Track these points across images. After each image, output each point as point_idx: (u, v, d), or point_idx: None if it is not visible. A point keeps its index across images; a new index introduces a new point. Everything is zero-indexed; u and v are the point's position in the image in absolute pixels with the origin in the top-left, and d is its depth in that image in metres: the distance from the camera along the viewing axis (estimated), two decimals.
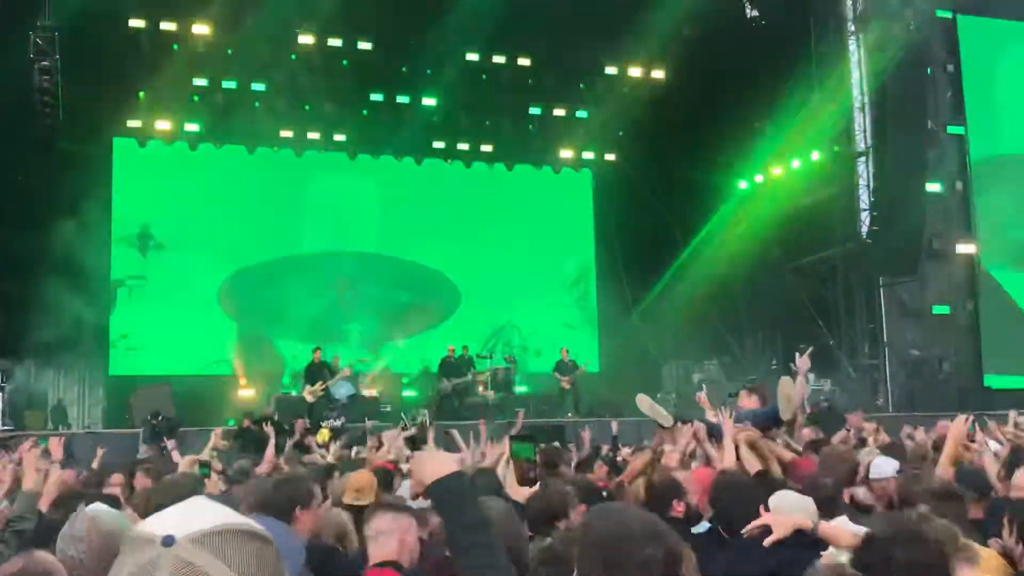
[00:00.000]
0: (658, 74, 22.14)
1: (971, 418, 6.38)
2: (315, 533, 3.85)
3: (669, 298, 22.37)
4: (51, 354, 18.61)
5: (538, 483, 5.17)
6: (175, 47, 19.73)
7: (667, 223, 22.48)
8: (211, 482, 6.55)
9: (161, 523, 1.28)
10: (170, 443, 9.44)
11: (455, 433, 9.45)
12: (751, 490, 4.50)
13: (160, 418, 14.79)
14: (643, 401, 7.91)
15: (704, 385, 19.98)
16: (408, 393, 20.91)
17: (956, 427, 6.05)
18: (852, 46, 20.87)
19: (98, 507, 3.25)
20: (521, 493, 4.87)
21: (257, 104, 20.88)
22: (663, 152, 22.30)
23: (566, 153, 23.52)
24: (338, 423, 15.00)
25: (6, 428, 14.96)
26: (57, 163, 18.85)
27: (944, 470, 5.65)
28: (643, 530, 2.08)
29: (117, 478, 7.13)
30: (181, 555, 1.24)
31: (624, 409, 17.66)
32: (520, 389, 20.31)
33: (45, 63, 16.25)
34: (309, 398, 17.39)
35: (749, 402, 7.97)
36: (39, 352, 18.13)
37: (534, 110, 22.52)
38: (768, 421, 7.52)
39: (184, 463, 6.74)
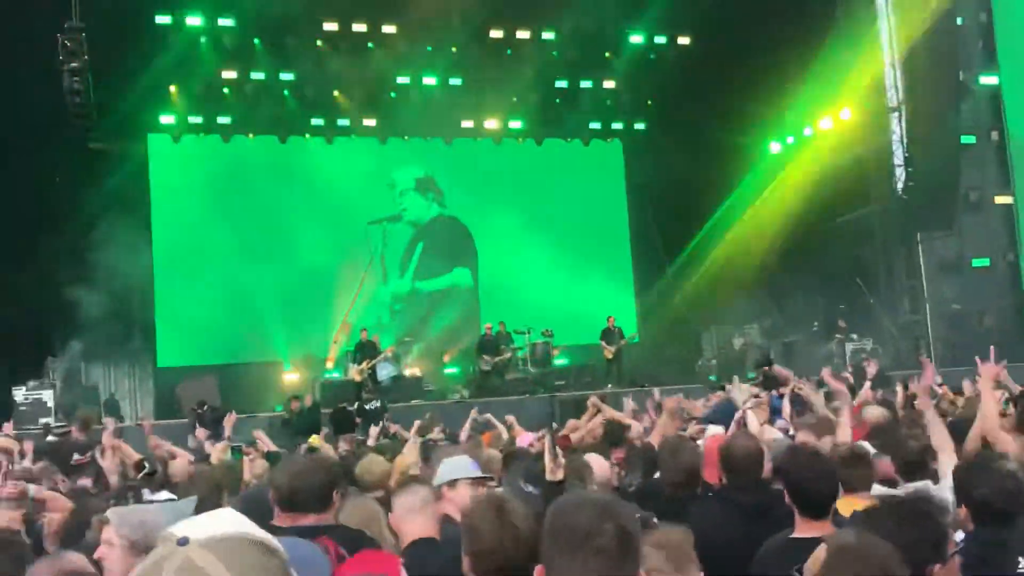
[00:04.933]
0: (684, 40, 21.98)
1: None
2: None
3: (706, 263, 22.34)
4: (100, 350, 19.01)
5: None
6: (203, 41, 19.96)
7: (700, 189, 22.36)
8: (252, 464, 6.67)
9: (184, 526, 1.43)
10: (201, 432, 9.62)
11: (491, 416, 9.65)
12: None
13: (205, 407, 15.08)
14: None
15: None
16: (450, 371, 21.15)
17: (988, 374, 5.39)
18: (880, 0, 20.58)
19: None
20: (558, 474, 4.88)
21: (287, 93, 21.10)
22: (693, 118, 22.11)
23: (595, 124, 23.49)
24: (376, 405, 15.22)
25: (59, 425, 15.30)
26: (93, 163, 19.17)
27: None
28: (595, 510, 2.09)
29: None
30: (189, 554, 1.36)
31: (664, 377, 17.77)
32: (560, 362, 20.42)
33: (75, 65, 16.42)
34: (357, 377, 17.73)
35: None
36: (88, 349, 18.51)
37: (560, 83, 22.47)
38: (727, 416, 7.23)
39: (215, 452, 6.89)
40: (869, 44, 20.49)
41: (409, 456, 5.96)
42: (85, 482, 6.90)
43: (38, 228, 18.30)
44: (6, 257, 17.18)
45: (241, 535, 1.42)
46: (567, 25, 21.15)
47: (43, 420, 15.40)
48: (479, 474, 4.64)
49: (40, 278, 17.90)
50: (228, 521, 1.46)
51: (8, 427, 11.20)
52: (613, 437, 7.26)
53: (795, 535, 3.75)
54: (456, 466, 4.64)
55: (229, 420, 8.17)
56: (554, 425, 6.89)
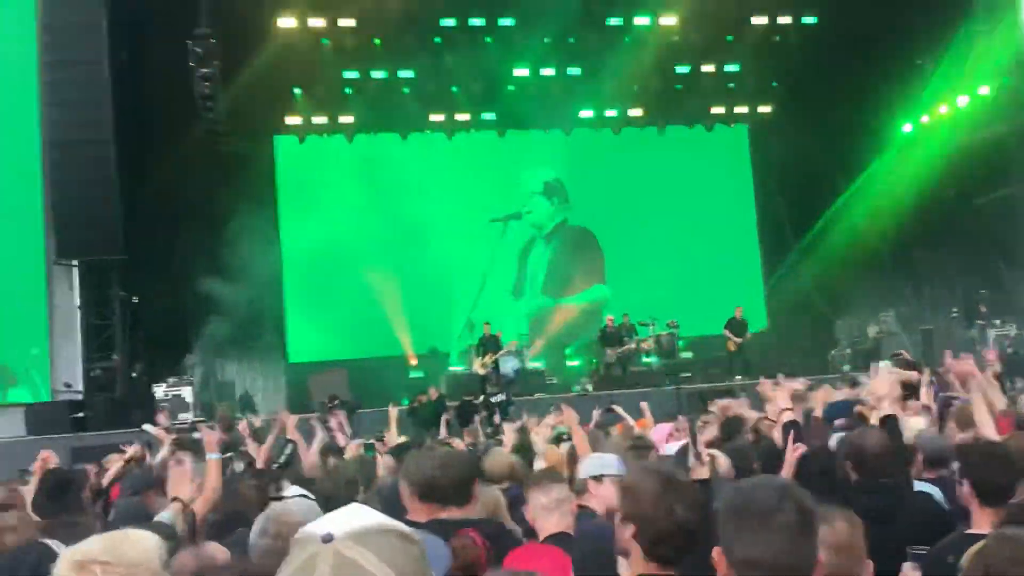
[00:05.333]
0: (809, 19, 21.28)
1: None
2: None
3: (837, 249, 21.65)
4: (233, 347, 19.64)
5: None
6: (324, 42, 20.33)
7: (830, 173, 21.74)
8: (384, 459, 6.73)
9: (323, 523, 1.46)
10: (334, 421, 9.74)
11: (619, 408, 9.50)
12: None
13: (336, 401, 15.35)
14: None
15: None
16: (572, 363, 21.07)
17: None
18: None
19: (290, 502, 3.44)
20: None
21: (406, 90, 21.31)
22: (821, 99, 21.52)
23: (718, 109, 23.02)
24: (501, 398, 15.25)
25: (198, 420, 15.84)
26: (224, 165, 19.80)
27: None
28: (776, 493, 2.13)
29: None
30: (338, 549, 1.40)
31: (795, 368, 17.26)
32: (686, 354, 20.10)
33: (205, 70, 17.00)
34: (480, 371, 17.83)
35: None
36: (222, 346, 19.15)
37: (681, 69, 22.07)
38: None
39: (351, 448, 6.97)
40: (1009, 16, 19.43)
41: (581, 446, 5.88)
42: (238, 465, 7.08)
43: (174, 230, 19.05)
44: (146, 259, 17.90)
45: (381, 526, 1.46)
46: (687, 9, 20.73)
47: (183, 415, 15.98)
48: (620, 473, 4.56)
49: (177, 278, 18.64)
50: (364, 514, 1.49)
51: (162, 418, 11.65)
52: (729, 433, 7.03)
53: (972, 531, 3.57)
54: (603, 462, 4.58)
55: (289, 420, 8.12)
56: (698, 422, 6.69)
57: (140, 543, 2.04)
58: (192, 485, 4.56)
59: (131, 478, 6.43)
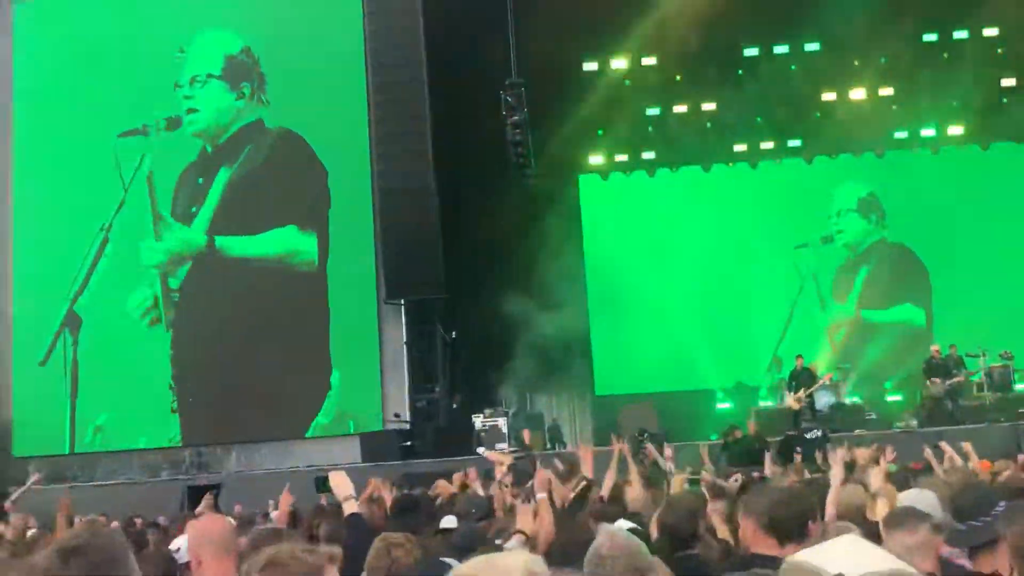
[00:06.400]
0: None
1: None
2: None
3: None
4: (543, 379, 20.28)
5: None
6: (627, 82, 20.75)
7: None
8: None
9: (827, 559, 1.43)
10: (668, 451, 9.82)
11: (947, 445, 8.84)
12: None
13: (645, 434, 15.44)
14: None
15: None
16: (892, 398, 19.96)
17: None
18: None
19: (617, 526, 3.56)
20: None
21: (709, 123, 21.27)
22: None
23: None
24: (817, 434, 14.71)
25: (513, 450, 16.46)
26: (532, 205, 20.62)
27: None
28: None
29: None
30: None
31: None
32: (1022, 387, 18.47)
33: (516, 118, 17.92)
34: (795, 405, 17.27)
35: None
36: (533, 378, 19.84)
37: (1007, 81, 20.50)
38: None
39: (675, 483, 7.01)
40: None
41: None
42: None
43: (488, 268, 20.03)
44: (462, 296, 18.97)
45: (898, 571, 1.42)
46: (1013, 18, 19.27)
47: (499, 446, 16.65)
48: (940, 514, 4.33)
49: (491, 313, 19.55)
50: (871, 553, 1.46)
51: (490, 451, 12.26)
52: None
53: None
54: (920, 500, 4.36)
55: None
56: None
57: (518, 561, 2.15)
58: (535, 519, 4.77)
59: (470, 505, 6.76)
